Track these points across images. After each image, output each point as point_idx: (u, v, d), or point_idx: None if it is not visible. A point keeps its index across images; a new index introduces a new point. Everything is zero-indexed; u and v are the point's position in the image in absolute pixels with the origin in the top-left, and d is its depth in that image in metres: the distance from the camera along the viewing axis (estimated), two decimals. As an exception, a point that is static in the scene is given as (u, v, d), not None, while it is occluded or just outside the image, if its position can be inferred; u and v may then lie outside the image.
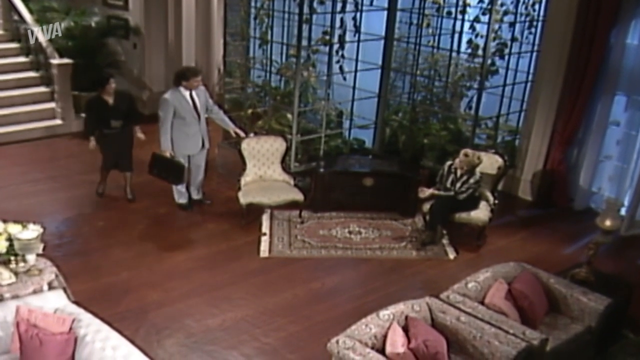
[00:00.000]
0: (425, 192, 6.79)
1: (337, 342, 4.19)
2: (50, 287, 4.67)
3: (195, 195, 7.39)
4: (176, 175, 6.84)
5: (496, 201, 7.02)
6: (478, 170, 6.66)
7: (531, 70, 7.96)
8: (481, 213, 6.83)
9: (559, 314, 5.06)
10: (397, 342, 4.20)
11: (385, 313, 4.43)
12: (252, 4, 7.57)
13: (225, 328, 5.29)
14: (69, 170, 8.31)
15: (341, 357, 4.13)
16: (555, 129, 7.87)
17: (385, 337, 4.31)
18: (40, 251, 4.71)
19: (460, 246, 6.90)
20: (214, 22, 10.11)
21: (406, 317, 4.46)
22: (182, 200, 7.29)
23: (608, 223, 5.22)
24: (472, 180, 6.62)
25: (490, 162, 7.12)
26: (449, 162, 6.82)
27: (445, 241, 6.98)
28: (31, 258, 4.66)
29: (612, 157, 7.87)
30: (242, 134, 7.18)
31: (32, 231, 4.61)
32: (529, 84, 8.02)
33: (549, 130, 7.92)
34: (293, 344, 5.16)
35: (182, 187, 7.18)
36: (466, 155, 6.60)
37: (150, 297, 5.62)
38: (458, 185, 6.65)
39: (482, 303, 4.82)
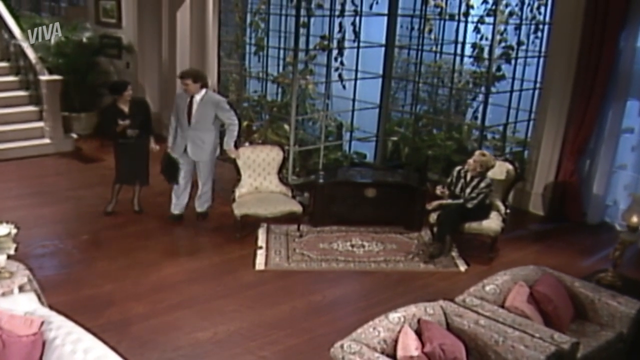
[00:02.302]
0: (432, 203, 6.37)
1: (342, 346, 3.70)
2: (22, 291, 4.22)
3: (198, 208, 6.95)
4: (169, 173, 6.68)
5: (508, 211, 6.60)
6: (490, 174, 6.26)
7: (539, 78, 7.65)
8: (493, 223, 6.40)
9: (586, 320, 4.57)
10: (410, 346, 3.72)
11: (395, 316, 3.95)
12: (248, 8, 7.29)
13: (217, 341, 4.78)
14: (56, 187, 7.92)
15: (346, 364, 3.64)
16: (566, 138, 7.50)
17: (395, 342, 3.83)
18: (11, 252, 4.28)
19: (471, 259, 6.43)
20: (209, 41, 9.82)
21: (419, 321, 3.98)
22: (175, 210, 6.88)
23: (635, 219, 4.80)
24: (482, 185, 6.21)
25: (500, 170, 6.73)
26: (458, 167, 6.42)
27: (454, 253, 6.52)
28: (1, 259, 4.22)
29: (626, 167, 7.49)
30: (232, 155, 6.72)
31: (3, 228, 4.17)
32: (536, 92, 7.70)
33: (560, 139, 7.56)
34: (292, 357, 4.65)
35: (175, 197, 6.82)
36: (483, 154, 6.21)
37: (134, 309, 5.12)
38: (468, 190, 6.24)
39: (501, 307, 4.34)
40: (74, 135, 9.59)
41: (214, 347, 4.69)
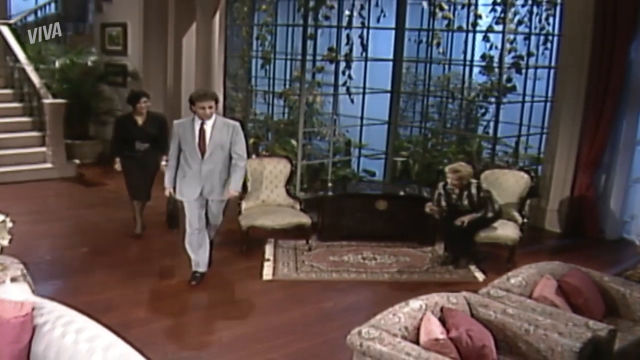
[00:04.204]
0: (462, 219, 5.97)
1: (360, 333, 3.42)
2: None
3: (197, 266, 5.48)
4: (168, 218, 6.01)
5: (525, 220, 6.35)
6: (473, 180, 6.10)
7: (549, 92, 7.52)
8: (510, 232, 6.14)
9: (618, 317, 4.24)
10: (434, 331, 3.41)
11: (417, 303, 3.66)
12: (254, 21, 7.25)
13: (222, 345, 4.47)
14: (57, 207, 7.78)
15: (364, 351, 3.34)
16: (580, 151, 7.30)
17: (417, 329, 3.53)
18: (5, 242, 4.06)
19: (488, 270, 6.12)
20: (215, 66, 9.81)
21: (442, 309, 3.68)
22: (199, 268, 5.51)
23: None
24: (474, 191, 6.01)
25: (515, 179, 6.53)
26: (441, 183, 6.23)
27: (472, 266, 6.22)
28: (-6, 249, 3.98)
29: (643, 180, 7.28)
30: (229, 196, 5.50)
31: (-3, 216, 3.95)
32: (548, 107, 7.55)
33: (574, 153, 7.35)
34: (303, 359, 4.31)
35: (193, 253, 5.47)
36: (456, 170, 6.00)
37: (135, 314, 4.82)
38: (465, 202, 6.06)
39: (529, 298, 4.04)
40: (77, 161, 9.45)
41: (218, 350, 4.38)
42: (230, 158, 5.28)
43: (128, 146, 6.42)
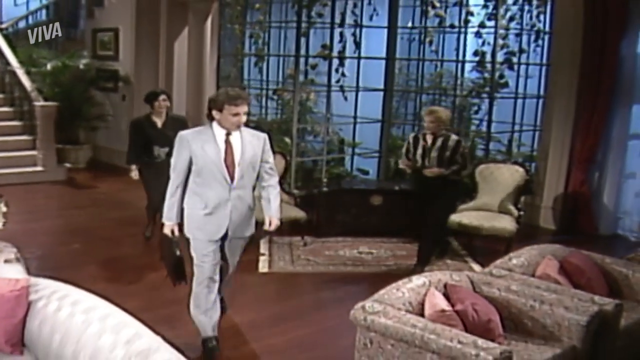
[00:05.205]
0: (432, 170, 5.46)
1: (364, 307, 3.36)
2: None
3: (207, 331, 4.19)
4: (170, 267, 4.31)
5: (521, 212, 6.35)
6: (455, 136, 5.73)
7: (542, 90, 7.56)
8: (507, 223, 6.13)
9: (621, 298, 4.19)
10: (439, 304, 3.36)
11: (420, 279, 3.62)
12: (247, 19, 7.26)
13: (220, 331, 4.31)
14: (47, 207, 7.68)
15: (369, 325, 3.28)
16: (574, 147, 7.34)
17: (422, 305, 3.48)
18: (0, 226, 3.95)
19: (485, 263, 6.04)
20: (206, 73, 9.79)
21: (445, 285, 3.63)
22: (212, 332, 4.11)
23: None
24: (450, 143, 5.46)
25: (510, 173, 6.54)
26: (412, 134, 6.01)
27: (468, 258, 6.20)
28: (-13, 231, 3.89)
29: (635, 175, 7.30)
30: (272, 228, 4.17)
31: (-11, 197, 3.86)
32: (540, 104, 7.58)
33: (567, 149, 7.38)
34: (303, 344, 4.25)
35: (204, 314, 4.09)
36: (432, 111, 5.53)
37: (129, 303, 4.55)
38: (434, 155, 5.48)
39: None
40: (68, 165, 9.36)
41: (218, 336, 4.27)
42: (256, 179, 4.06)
43: (146, 152, 5.78)
